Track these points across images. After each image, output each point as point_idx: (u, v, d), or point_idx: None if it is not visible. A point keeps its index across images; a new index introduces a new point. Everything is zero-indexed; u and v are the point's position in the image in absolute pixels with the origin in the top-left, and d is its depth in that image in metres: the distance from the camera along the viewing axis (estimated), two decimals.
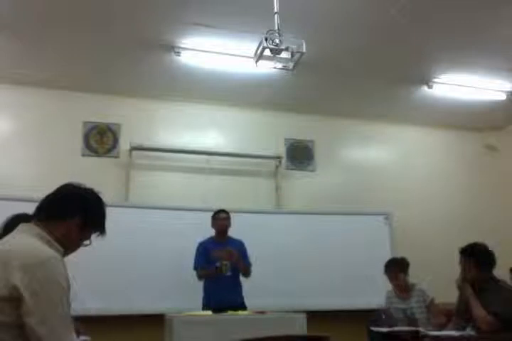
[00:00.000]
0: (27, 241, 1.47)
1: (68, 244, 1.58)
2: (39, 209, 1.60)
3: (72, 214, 1.59)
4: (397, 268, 3.91)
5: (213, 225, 4.47)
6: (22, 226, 1.55)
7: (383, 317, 3.75)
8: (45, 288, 1.35)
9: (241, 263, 4.30)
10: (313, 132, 6.11)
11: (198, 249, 4.43)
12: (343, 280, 5.29)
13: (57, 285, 1.38)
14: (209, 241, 4.46)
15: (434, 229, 6.05)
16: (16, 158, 5.05)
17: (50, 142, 5.19)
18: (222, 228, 4.42)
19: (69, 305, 1.42)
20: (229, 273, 4.24)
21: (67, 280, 1.44)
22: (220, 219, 4.43)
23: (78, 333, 2.58)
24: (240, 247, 4.42)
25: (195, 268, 4.38)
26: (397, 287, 3.89)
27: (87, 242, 1.66)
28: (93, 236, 1.69)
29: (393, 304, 3.86)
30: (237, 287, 4.38)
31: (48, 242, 1.50)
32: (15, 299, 1.33)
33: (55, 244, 1.52)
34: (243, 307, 4.14)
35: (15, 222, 2.32)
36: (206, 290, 4.35)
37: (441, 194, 6.35)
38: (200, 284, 4.42)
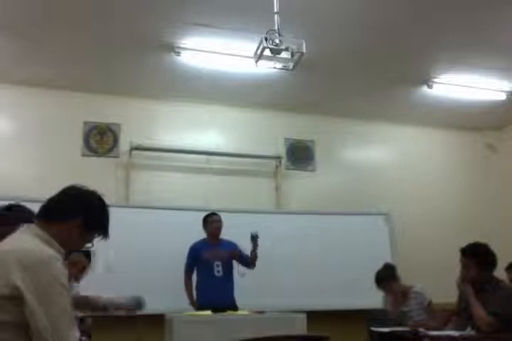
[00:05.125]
0: (28, 241, 1.47)
1: (69, 246, 1.58)
2: (41, 210, 1.60)
3: (74, 215, 1.59)
4: (388, 280, 3.78)
5: (206, 228, 4.54)
6: (23, 227, 1.55)
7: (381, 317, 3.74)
8: (47, 287, 1.35)
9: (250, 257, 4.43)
10: (313, 132, 6.11)
11: (188, 253, 4.54)
12: (343, 280, 5.29)
13: (58, 284, 1.38)
14: (201, 244, 4.54)
15: (434, 229, 6.05)
16: (16, 158, 5.05)
17: (50, 142, 5.19)
18: (217, 231, 4.51)
19: (71, 303, 1.42)
20: (220, 274, 4.35)
21: (67, 279, 1.43)
22: (214, 221, 4.51)
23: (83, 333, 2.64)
24: (232, 247, 4.51)
25: (185, 270, 4.51)
26: (395, 297, 3.79)
27: (89, 245, 1.66)
28: (96, 239, 1.68)
29: (392, 308, 3.82)
30: (229, 288, 4.43)
31: (48, 243, 1.50)
32: (16, 298, 1.32)
33: (56, 245, 1.52)
34: (234, 309, 4.16)
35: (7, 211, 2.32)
36: (198, 290, 4.44)
37: (441, 194, 6.35)
38: None
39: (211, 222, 4.52)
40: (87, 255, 3.07)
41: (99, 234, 1.67)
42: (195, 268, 4.50)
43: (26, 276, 1.34)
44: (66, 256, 1.57)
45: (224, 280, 4.40)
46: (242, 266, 4.50)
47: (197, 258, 4.46)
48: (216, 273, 4.38)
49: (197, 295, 4.42)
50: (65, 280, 1.41)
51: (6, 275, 1.34)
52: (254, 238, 4.32)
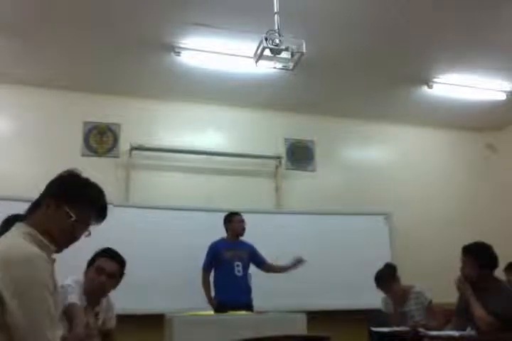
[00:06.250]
0: (12, 240, 1.44)
1: (59, 238, 1.52)
2: (30, 206, 1.56)
3: (56, 204, 1.52)
4: (388, 280, 3.77)
5: (229, 227, 4.56)
6: (14, 226, 1.52)
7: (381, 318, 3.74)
8: (27, 286, 1.32)
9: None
10: (313, 132, 6.11)
11: (208, 251, 4.54)
12: (343, 280, 5.29)
13: (39, 284, 1.34)
14: (221, 243, 4.55)
15: (434, 229, 6.04)
16: (16, 158, 5.05)
17: (50, 142, 5.19)
18: (241, 231, 4.53)
19: (55, 303, 1.39)
20: (240, 274, 4.39)
21: (51, 279, 1.40)
22: (240, 221, 4.55)
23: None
24: (251, 249, 4.56)
25: (203, 268, 4.51)
26: (395, 297, 3.79)
27: (86, 233, 1.58)
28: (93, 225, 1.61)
29: (392, 309, 3.82)
30: (248, 288, 4.48)
31: (35, 240, 1.46)
32: None
33: (44, 241, 1.47)
34: (250, 309, 4.18)
35: (11, 222, 2.32)
36: (218, 288, 4.44)
37: (441, 194, 6.35)
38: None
39: (236, 221, 4.55)
40: (120, 261, 2.68)
41: (93, 219, 1.58)
42: (214, 266, 4.51)
43: (6, 276, 1.30)
44: (59, 250, 1.53)
45: (244, 280, 4.46)
46: (257, 268, 4.59)
47: (217, 257, 4.47)
48: (237, 273, 4.42)
49: (216, 293, 4.43)
50: (47, 280, 1.37)
51: None
52: (298, 263, 4.48)
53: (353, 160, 6.26)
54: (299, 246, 5.29)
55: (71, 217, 1.52)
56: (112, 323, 2.77)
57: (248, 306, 4.22)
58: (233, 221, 4.55)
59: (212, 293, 4.46)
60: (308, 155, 6.07)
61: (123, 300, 4.61)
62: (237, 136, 5.87)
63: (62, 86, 5.22)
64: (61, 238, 1.53)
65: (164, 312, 3.81)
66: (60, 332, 1.36)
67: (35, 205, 1.55)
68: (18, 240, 1.44)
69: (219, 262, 4.46)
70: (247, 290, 4.45)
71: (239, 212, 4.63)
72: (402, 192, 6.14)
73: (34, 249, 1.41)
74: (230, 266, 4.42)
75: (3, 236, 1.50)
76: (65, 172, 1.63)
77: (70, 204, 1.53)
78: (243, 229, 4.53)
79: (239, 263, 4.43)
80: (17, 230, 1.49)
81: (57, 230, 1.51)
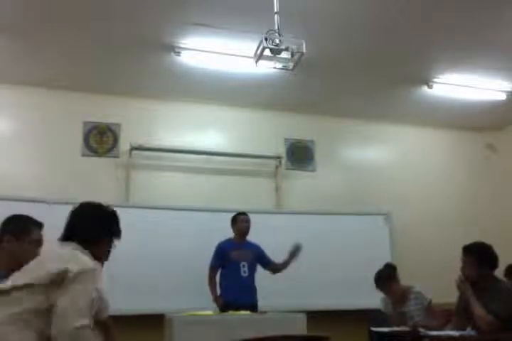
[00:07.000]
0: (78, 252, 1.86)
1: (99, 257, 2.00)
2: (69, 232, 1.96)
3: (99, 235, 2.02)
4: (387, 281, 3.77)
5: (234, 227, 4.59)
6: (68, 244, 1.90)
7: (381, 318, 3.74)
8: (86, 280, 1.75)
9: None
10: (313, 132, 6.11)
11: (216, 250, 4.54)
12: (343, 280, 5.29)
13: (92, 286, 1.77)
14: (228, 243, 4.56)
15: (434, 229, 6.05)
16: (16, 158, 5.05)
17: (50, 142, 5.19)
18: (246, 230, 4.55)
19: (90, 303, 1.74)
20: (246, 275, 4.40)
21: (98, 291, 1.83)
22: (244, 221, 4.57)
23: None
24: (257, 249, 4.58)
25: (211, 267, 4.51)
26: (394, 297, 3.78)
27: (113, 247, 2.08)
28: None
29: (391, 309, 3.82)
30: (254, 289, 4.48)
31: (90, 257, 1.89)
32: (57, 282, 1.69)
33: (94, 260, 1.91)
34: (254, 309, 4.18)
35: (12, 222, 2.33)
36: (223, 288, 4.45)
37: (441, 194, 6.35)
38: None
39: (241, 221, 4.57)
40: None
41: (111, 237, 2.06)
42: (220, 266, 4.52)
43: (76, 266, 1.73)
44: None
45: (249, 281, 4.47)
46: (264, 269, 4.59)
47: (224, 257, 4.48)
48: (243, 274, 4.43)
49: (222, 293, 4.43)
50: (96, 286, 1.81)
51: (61, 264, 1.72)
52: (296, 250, 4.45)
53: (353, 160, 6.26)
54: None
55: (109, 243, 2.06)
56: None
57: (253, 306, 4.22)
58: (238, 220, 4.58)
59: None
60: (308, 155, 6.07)
61: (123, 300, 4.65)
62: (237, 136, 5.87)
63: (62, 86, 5.21)
64: (100, 257, 2.01)
65: (164, 312, 3.82)
66: (86, 320, 1.69)
67: (78, 233, 1.96)
68: (81, 254, 1.86)
69: (225, 262, 4.47)
70: (252, 290, 4.46)
71: (245, 212, 4.65)
72: (401, 192, 6.15)
73: (95, 263, 1.87)
74: (236, 266, 4.42)
75: (60, 246, 1.91)
76: (87, 204, 2.07)
77: (106, 233, 2.04)
78: (247, 228, 4.55)
79: (245, 263, 4.44)
80: (75, 248, 1.89)
81: (98, 251, 2.00)
